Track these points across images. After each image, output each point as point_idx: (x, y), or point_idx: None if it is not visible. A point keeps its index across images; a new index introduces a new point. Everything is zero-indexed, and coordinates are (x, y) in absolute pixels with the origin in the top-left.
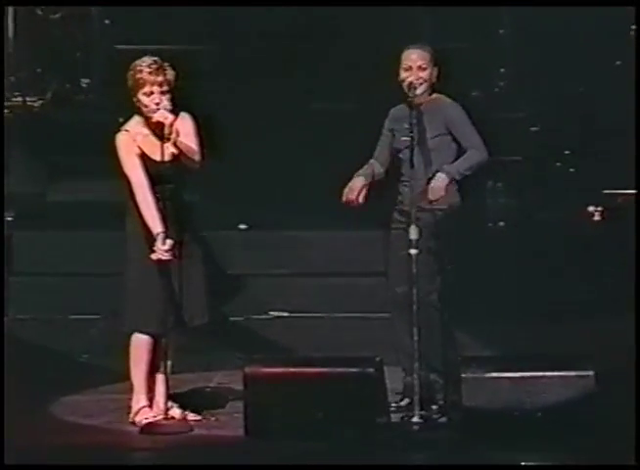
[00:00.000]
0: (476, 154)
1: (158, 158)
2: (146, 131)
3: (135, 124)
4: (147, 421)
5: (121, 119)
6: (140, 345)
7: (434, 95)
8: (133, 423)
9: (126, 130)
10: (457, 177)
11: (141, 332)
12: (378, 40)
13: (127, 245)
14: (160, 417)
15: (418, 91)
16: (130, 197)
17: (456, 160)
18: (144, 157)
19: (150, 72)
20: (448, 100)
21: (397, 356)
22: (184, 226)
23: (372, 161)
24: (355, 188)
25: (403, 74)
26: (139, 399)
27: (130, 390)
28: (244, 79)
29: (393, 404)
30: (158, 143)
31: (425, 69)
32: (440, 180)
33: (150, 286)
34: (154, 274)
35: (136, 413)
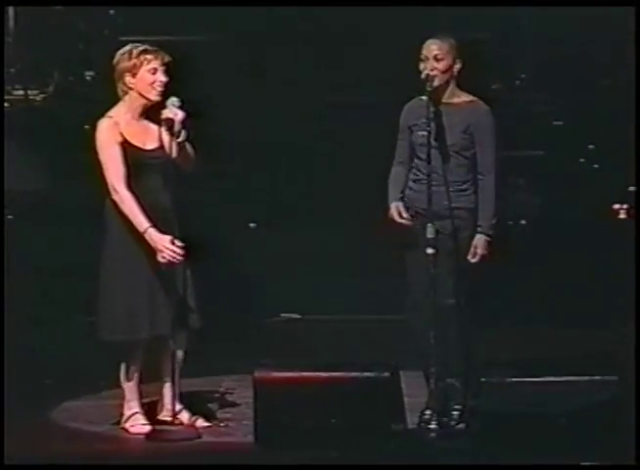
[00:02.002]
0: (489, 185)
1: (143, 146)
2: (131, 118)
3: (120, 110)
4: (137, 428)
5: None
6: (130, 350)
7: (470, 97)
8: (124, 430)
9: (109, 116)
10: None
11: (130, 339)
12: (395, 31)
13: (109, 243)
14: (168, 419)
15: (434, 83)
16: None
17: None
18: (127, 144)
19: (153, 51)
20: (487, 107)
21: (422, 363)
22: (173, 222)
23: (398, 168)
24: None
25: (420, 65)
26: (131, 406)
27: None
28: (255, 71)
29: (418, 420)
30: (145, 130)
31: (441, 59)
32: (482, 243)
33: (137, 289)
34: (141, 276)
35: (127, 420)
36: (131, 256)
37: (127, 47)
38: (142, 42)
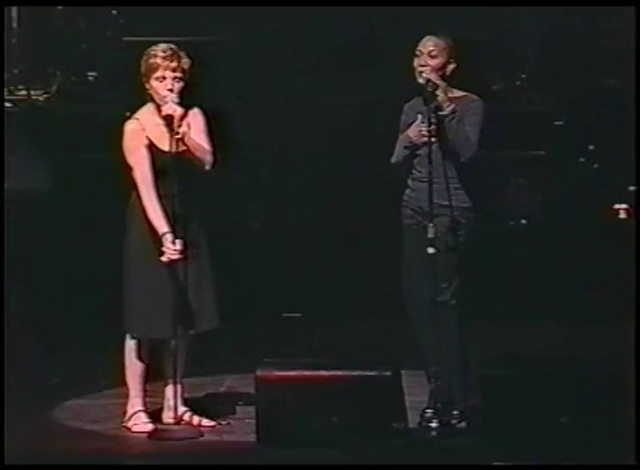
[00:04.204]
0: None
1: (167, 149)
2: (158, 120)
3: (146, 112)
4: (139, 426)
5: (128, 113)
6: (134, 348)
7: (461, 93)
8: (127, 428)
9: (136, 119)
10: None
11: (147, 338)
12: (395, 31)
13: (129, 242)
14: (172, 421)
15: (421, 79)
16: (134, 190)
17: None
18: (152, 147)
19: (164, 57)
20: (475, 96)
21: (422, 362)
22: (192, 224)
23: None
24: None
25: (414, 61)
26: (134, 404)
27: None
28: (256, 72)
29: (419, 419)
30: (168, 134)
31: (434, 56)
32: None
33: (154, 288)
34: (159, 275)
35: (129, 418)
36: (146, 254)
37: (150, 48)
38: (145, 43)
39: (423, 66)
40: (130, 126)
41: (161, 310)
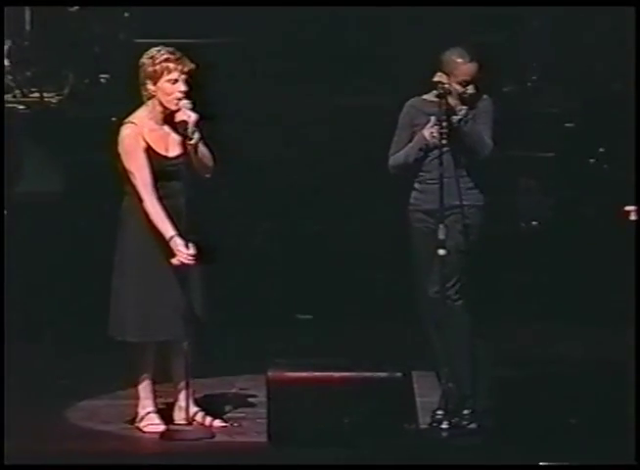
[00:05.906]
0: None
1: (165, 152)
2: (154, 124)
3: (143, 116)
4: (151, 427)
5: (114, 118)
6: (142, 350)
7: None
8: (138, 429)
9: (133, 123)
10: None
11: (148, 341)
12: (403, 34)
13: (124, 246)
14: (183, 422)
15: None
16: (133, 195)
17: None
18: (150, 151)
19: (176, 59)
20: (483, 94)
21: (433, 363)
22: (190, 227)
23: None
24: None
25: (457, 88)
26: (145, 405)
27: None
28: (264, 74)
29: (430, 420)
30: (166, 136)
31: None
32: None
33: (155, 291)
34: (159, 278)
35: (141, 419)
36: (145, 258)
37: (153, 51)
38: (157, 45)
39: (471, 94)
40: (127, 131)
41: (164, 312)
